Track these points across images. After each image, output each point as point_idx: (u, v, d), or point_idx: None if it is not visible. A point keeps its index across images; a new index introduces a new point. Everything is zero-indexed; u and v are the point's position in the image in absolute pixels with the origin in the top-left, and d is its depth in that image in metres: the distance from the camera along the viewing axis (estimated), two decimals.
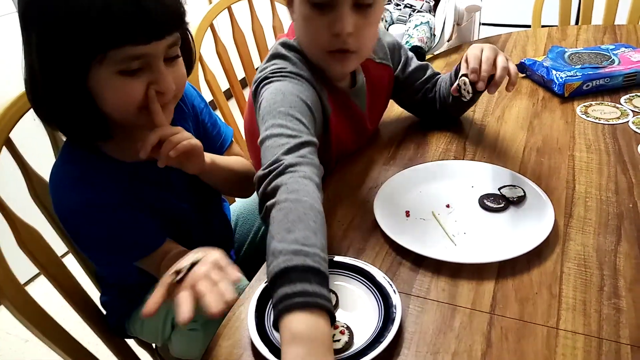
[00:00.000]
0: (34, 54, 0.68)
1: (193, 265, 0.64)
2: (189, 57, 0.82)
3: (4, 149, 0.83)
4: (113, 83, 0.68)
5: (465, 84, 0.96)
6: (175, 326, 0.92)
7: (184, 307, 0.58)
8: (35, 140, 0.81)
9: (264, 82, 0.90)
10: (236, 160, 0.98)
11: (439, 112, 1.15)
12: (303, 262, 0.61)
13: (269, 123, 0.80)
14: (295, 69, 0.91)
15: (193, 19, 1.25)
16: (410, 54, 1.16)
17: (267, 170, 0.74)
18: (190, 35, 0.82)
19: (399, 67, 1.14)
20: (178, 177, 0.86)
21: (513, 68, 0.94)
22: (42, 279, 0.89)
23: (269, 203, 0.71)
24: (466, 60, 0.96)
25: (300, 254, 0.62)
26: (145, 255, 0.81)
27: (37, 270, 0.86)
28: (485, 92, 0.97)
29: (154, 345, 1.09)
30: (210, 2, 1.40)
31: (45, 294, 0.95)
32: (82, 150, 0.79)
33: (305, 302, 0.58)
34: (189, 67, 0.83)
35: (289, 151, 0.76)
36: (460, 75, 0.98)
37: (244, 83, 1.54)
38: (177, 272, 0.63)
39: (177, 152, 0.76)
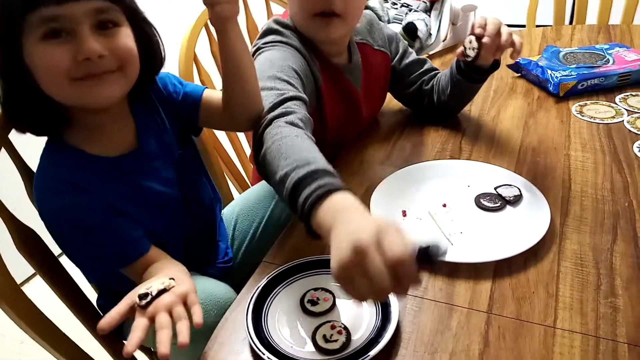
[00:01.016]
0: None
1: (161, 292, 0.64)
2: (147, 41, 0.79)
3: (3, 149, 0.82)
4: (38, 52, 0.68)
5: (470, 41, 1.00)
6: None
7: (135, 335, 0.59)
8: (34, 141, 0.80)
9: (255, 53, 0.95)
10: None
11: (436, 107, 1.16)
12: (308, 169, 0.65)
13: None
14: (285, 39, 0.96)
15: (187, 19, 1.25)
16: (410, 49, 1.19)
17: (255, 130, 0.79)
18: (151, 25, 0.80)
19: (397, 57, 1.18)
20: (163, 164, 0.85)
21: (517, 38, 0.97)
22: (38, 279, 0.88)
23: (260, 156, 0.75)
24: (472, 27, 1.00)
25: (305, 165, 0.66)
26: (127, 264, 0.80)
27: (32, 271, 0.86)
28: (482, 93, 0.97)
29: (152, 348, 1.09)
30: None
31: (41, 295, 0.94)
32: (63, 152, 0.78)
33: (325, 191, 0.62)
34: (152, 53, 0.80)
35: (273, 107, 0.80)
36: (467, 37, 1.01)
37: None
38: (145, 295, 0.63)
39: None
